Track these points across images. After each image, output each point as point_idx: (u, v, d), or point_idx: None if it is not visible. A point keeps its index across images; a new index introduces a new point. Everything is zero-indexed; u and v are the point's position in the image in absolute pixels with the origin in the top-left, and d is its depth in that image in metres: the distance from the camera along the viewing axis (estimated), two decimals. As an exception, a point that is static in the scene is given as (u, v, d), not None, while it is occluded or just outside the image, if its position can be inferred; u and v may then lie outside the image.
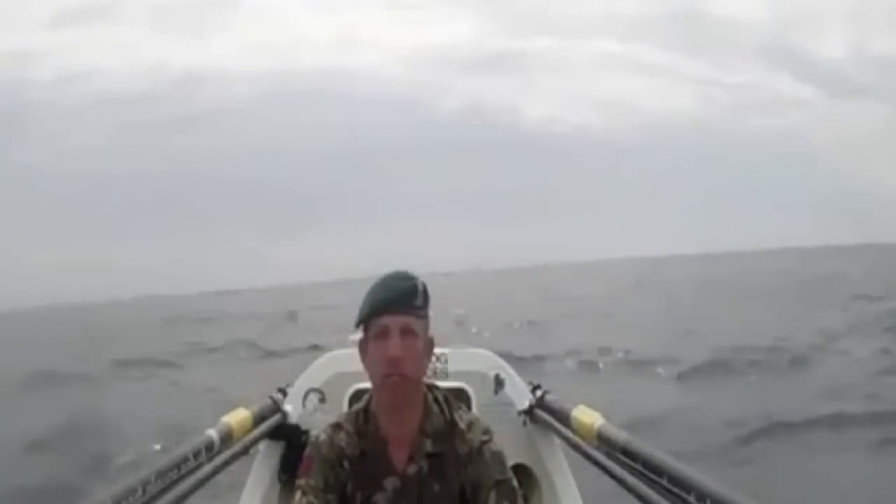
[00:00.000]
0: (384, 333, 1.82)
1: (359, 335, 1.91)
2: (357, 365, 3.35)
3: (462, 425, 1.92)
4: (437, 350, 3.18)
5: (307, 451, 1.97)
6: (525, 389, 3.18)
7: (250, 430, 2.70)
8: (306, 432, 2.99)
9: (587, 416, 2.60)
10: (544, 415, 2.99)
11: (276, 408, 3.02)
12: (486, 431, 1.93)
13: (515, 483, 1.92)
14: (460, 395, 3.04)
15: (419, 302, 1.86)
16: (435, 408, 1.92)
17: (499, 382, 3.18)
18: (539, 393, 3.12)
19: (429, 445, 1.89)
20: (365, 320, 1.86)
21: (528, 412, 3.11)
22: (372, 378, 1.89)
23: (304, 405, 3.10)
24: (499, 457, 1.90)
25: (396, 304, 1.83)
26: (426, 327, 1.89)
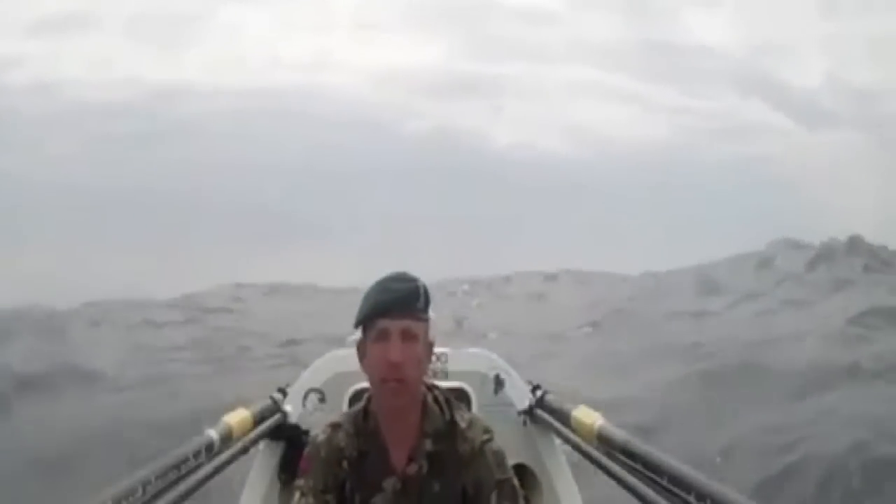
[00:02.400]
0: (384, 336, 1.79)
1: (357, 335, 1.89)
2: (357, 365, 3.35)
3: (462, 425, 1.91)
4: (437, 350, 3.18)
5: (306, 452, 1.95)
6: (525, 389, 3.18)
7: (250, 430, 2.70)
8: (306, 432, 2.99)
9: (587, 416, 2.60)
10: (544, 415, 2.98)
11: (276, 408, 3.02)
12: (487, 431, 1.92)
13: (516, 482, 1.91)
14: (460, 395, 3.04)
15: (420, 304, 1.83)
16: (435, 408, 1.91)
17: (499, 382, 3.18)
18: (539, 393, 3.12)
19: (429, 445, 1.88)
20: (364, 322, 1.84)
21: (528, 412, 3.11)
22: (371, 380, 1.87)
23: (304, 405, 3.10)
24: (500, 456, 1.89)
25: (397, 306, 1.80)
26: (427, 330, 1.87)
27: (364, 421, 1.92)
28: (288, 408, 3.06)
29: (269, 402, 3.03)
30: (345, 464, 1.89)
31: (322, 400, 3.12)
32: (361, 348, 1.88)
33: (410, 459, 1.87)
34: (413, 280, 1.85)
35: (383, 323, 1.80)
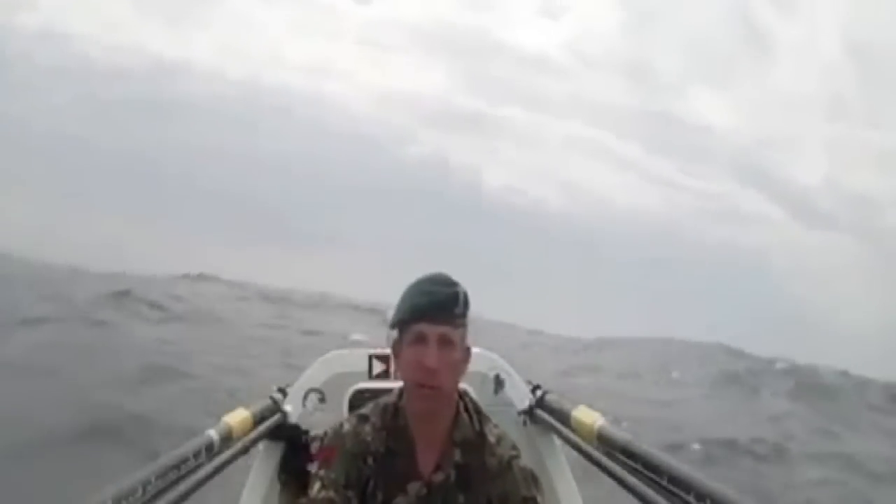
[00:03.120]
0: (421, 341, 1.76)
1: (392, 335, 1.86)
2: (357, 365, 3.35)
3: (492, 439, 1.88)
4: None
5: (328, 441, 1.89)
6: (525, 390, 3.18)
7: (250, 430, 2.70)
8: (306, 432, 2.99)
9: (587, 416, 2.60)
10: (544, 415, 2.98)
11: (276, 408, 3.02)
12: (515, 447, 1.90)
13: (542, 503, 1.87)
14: (460, 396, 3.05)
15: (460, 311, 1.79)
16: (465, 417, 1.88)
17: (499, 382, 3.17)
18: (539, 393, 3.12)
19: (458, 455, 1.84)
20: (402, 324, 1.80)
21: (528, 412, 3.11)
22: (405, 382, 1.84)
23: (304, 405, 3.10)
24: (528, 473, 1.87)
25: (436, 311, 1.76)
26: (464, 336, 1.83)
27: (394, 417, 1.86)
28: (288, 408, 3.06)
29: (268, 402, 3.03)
30: (370, 460, 1.84)
31: (322, 400, 3.11)
32: (396, 348, 1.84)
33: (438, 467, 1.84)
34: (453, 284, 1.80)
35: (421, 327, 1.76)
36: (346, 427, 1.88)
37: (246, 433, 2.66)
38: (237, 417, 2.65)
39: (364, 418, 1.89)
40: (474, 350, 3.38)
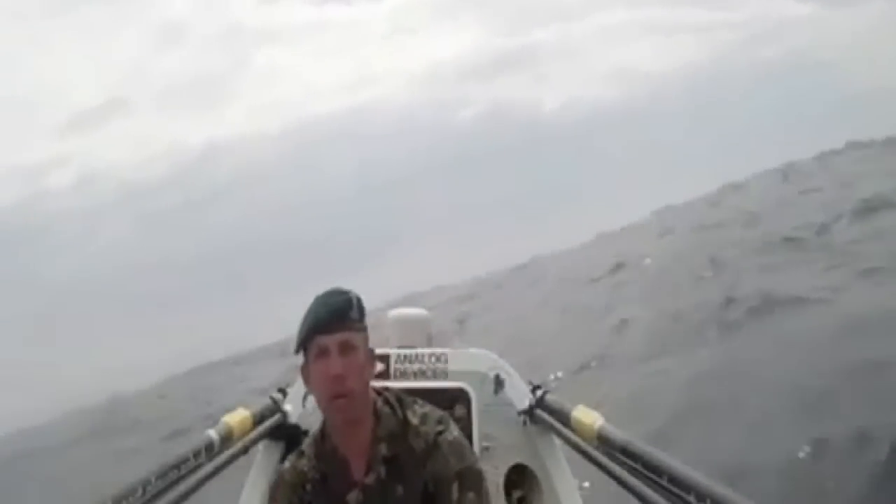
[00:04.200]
0: (324, 353, 1.80)
1: (300, 361, 1.89)
2: None
3: (415, 421, 1.89)
4: (437, 350, 3.20)
5: (272, 482, 2.00)
6: (525, 389, 3.18)
7: (250, 431, 2.70)
8: (306, 432, 2.98)
9: (587, 417, 2.60)
10: (544, 415, 2.98)
11: (276, 408, 3.02)
12: (441, 421, 1.89)
13: (479, 467, 1.88)
14: (460, 395, 3.04)
15: (355, 315, 1.84)
16: (386, 410, 1.90)
17: (499, 382, 3.18)
18: (539, 393, 3.12)
19: (384, 450, 1.86)
20: (304, 343, 1.84)
21: (528, 412, 3.11)
22: (318, 400, 1.87)
23: (304, 405, 3.10)
24: (457, 445, 1.86)
25: (332, 321, 1.81)
26: (366, 339, 1.88)
27: (322, 442, 1.92)
28: (288, 408, 3.06)
29: (268, 402, 3.03)
30: (308, 486, 1.91)
31: None
32: (305, 372, 1.88)
33: (368, 468, 1.86)
34: (345, 293, 1.85)
35: (321, 339, 1.80)
36: (286, 464, 1.98)
37: (246, 433, 2.66)
38: (237, 417, 2.66)
39: (301, 453, 1.98)
40: (474, 350, 3.40)
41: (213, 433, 2.40)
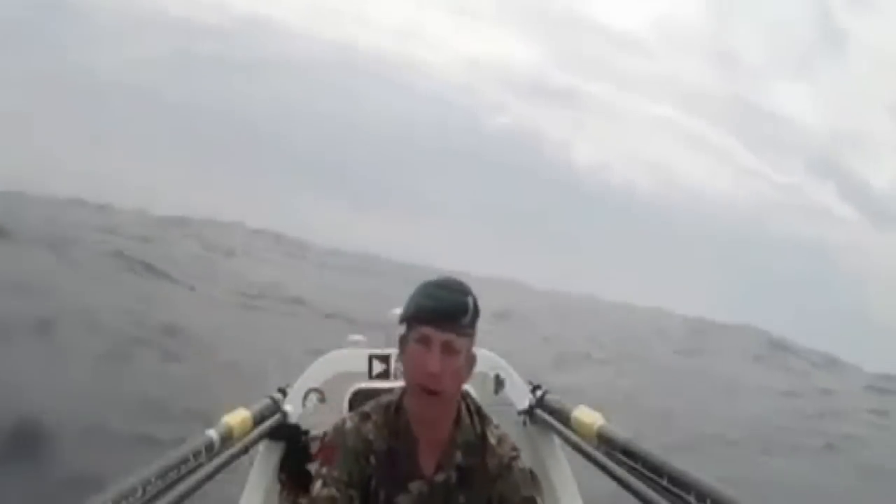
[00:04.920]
0: (425, 343, 1.74)
1: (401, 329, 1.83)
2: (357, 365, 3.35)
3: (493, 440, 1.89)
4: None
5: (329, 438, 1.87)
6: (525, 389, 3.18)
7: (250, 431, 2.70)
8: (306, 432, 2.99)
9: (587, 416, 2.60)
10: (544, 415, 2.98)
11: (276, 408, 3.02)
12: (515, 448, 1.91)
13: (541, 501, 1.90)
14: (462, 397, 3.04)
15: (467, 320, 1.77)
16: (467, 419, 1.88)
17: (499, 382, 3.17)
18: (539, 393, 3.12)
19: (459, 457, 1.85)
20: (409, 321, 1.79)
21: (529, 412, 3.11)
22: (407, 380, 1.83)
23: (304, 405, 3.10)
24: (527, 475, 1.89)
25: (442, 318, 1.74)
26: (470, 344, 1.81)
27: (396, 416, 1.85)
28: (288, 408, 3.06)
29: (268, 401, 3.02)
30: (372, 458, 1.82)
31: (322, 400, 3.11)
32: (403, 342, 1.82)
33: (440, 467, 1.84)
34: (464, 292, 1.78)
35: (426, 330, 1.74)
36: (349, 424, 1.86)
37: (246, 433, 2.66)
38: (237, 417, 2.65)
39: (366, 416, 1.87)
40: (474, 350, 3.40)
41: (213, 433, 2.40)
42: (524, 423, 3.13)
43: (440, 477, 1.84)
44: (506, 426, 3.14)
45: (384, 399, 1.91)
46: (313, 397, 3.11)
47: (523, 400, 3.14)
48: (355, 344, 3.33)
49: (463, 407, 1.90)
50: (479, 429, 1.89)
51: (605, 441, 2.39)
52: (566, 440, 2.78)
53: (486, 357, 3.24)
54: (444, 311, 1.74)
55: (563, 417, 2.78)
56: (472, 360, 1.84)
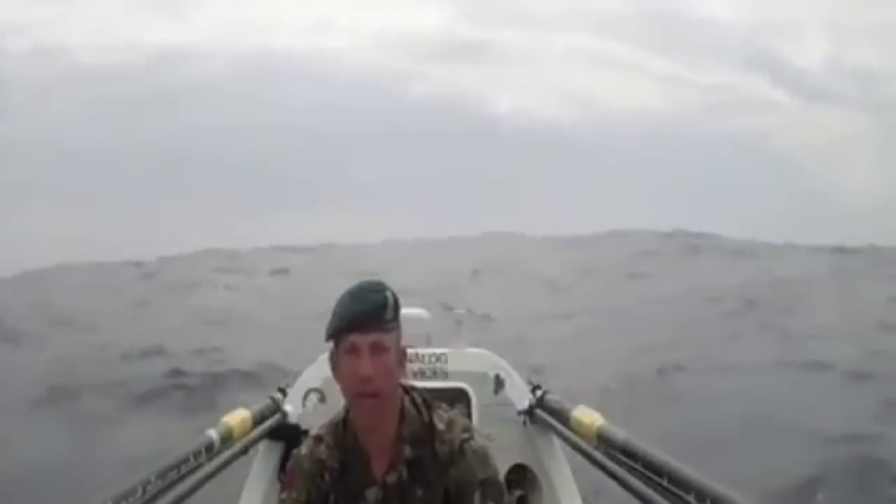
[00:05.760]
0: (355, 350, 1.77)
1: (330, 347, 1.86)
2: None
3: (441, 426, 1.87)
4: (437, 350, 3.21)
5: (289, 465, 1.95)
6: (525, 389, 3.18)
7: (250, 431, 2.70)
8: (306, 432, 2.98)
9: (587, 416, 2.60)
10: (544, 415, 2.98)
11: (276, 408, 3.02)
12: (467, 429, 1.88)
13: (501, 479, 1.88)
14: (460, 396, 3.04)
15: (389, 315, 1.79)
16: (412, 411, 1.88)
17: (499, 382, 3.18)
18: (539, 393, 3.12)
19: (408, 451, 1.85)
20: (334, 336, 1.81)
21: (528, 412, 3.11)
22: (345, 394, 1.85)
23: (304, 405, 3.10)
24: (482, 454, 1.85)
25: (366, 320, 1.77)
26: (398, 339, 1.84)
27: (343, 432, 1.90)
28: (288, 408, 3.06)
29: (268, 402, 3.03)
30: (326, 476, 1.88)
31: (322, 400, 3.11)
32: (333, 359, 1.85)
33: (391, 467, 1.85)
34: (381, 290, 1.81)
35: (352, 338, 1.77)
36: (304, 450, 1.94)
37: (246, 433, 2.66)
38: (237, 417, 2.65)
39: (318, 439, 1.94)
40: (474, 350, 3.40)
41: (213, 433, 2.40)
42: (524, 423, 3.13)
43: (392, 477, 1.85)
44: (506, 426, 3.17)
45: (333, 419, 1.97)
46: (313, 397, 3.11)
47: (523, 400, 3.14)
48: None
49: (407, 401, 1.90)
50: (426, 418, 1.88)
51: (604, 441, 2.39)
52: (566, 440, 2.78)
53: (486, 357, 3.24)
54: (364, 313, 1.77)
55: (563, 417, 2.78)
56: (402, 355, 1.87)
